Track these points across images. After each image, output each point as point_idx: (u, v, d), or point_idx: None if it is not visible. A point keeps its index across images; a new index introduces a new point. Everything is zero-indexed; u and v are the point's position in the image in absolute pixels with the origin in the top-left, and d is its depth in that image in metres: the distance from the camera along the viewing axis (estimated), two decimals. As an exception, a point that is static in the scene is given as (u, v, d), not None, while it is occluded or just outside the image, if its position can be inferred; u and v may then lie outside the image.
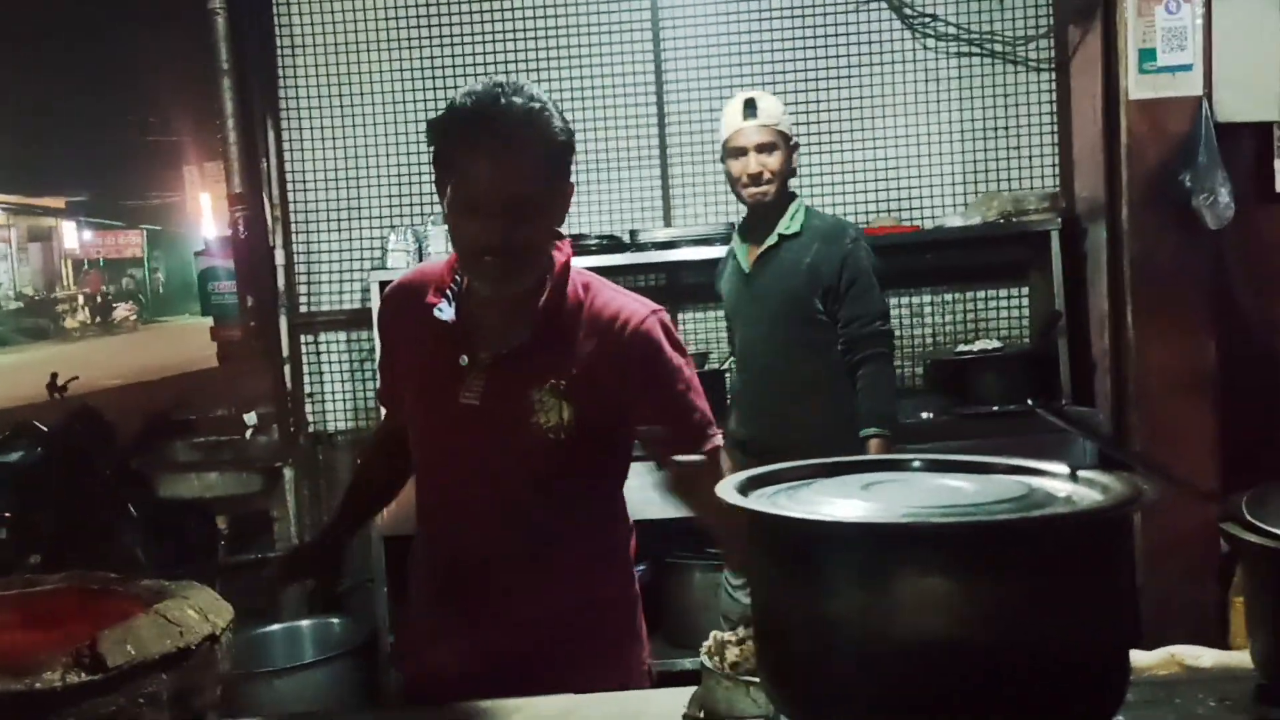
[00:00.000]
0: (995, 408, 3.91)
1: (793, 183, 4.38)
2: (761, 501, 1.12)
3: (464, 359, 1.91)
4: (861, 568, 1.02)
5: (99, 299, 32.03)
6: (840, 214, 4.38)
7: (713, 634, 1.51)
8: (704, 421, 1.93)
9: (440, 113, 1.87)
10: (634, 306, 1.92)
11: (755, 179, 3.33)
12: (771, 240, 3.38)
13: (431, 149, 1.86)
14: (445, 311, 1.92)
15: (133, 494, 5.41)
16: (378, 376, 2.32)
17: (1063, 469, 1.16)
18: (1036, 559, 1.01)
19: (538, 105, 1.78)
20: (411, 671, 2.09)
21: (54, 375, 7.17)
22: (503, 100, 1.77)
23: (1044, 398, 3.97)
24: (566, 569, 1.92)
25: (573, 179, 1.87)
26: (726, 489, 1.13)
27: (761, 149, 3.33)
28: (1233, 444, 3.66)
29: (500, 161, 1.76)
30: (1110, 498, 1.06)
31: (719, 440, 1.94)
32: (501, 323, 1.90)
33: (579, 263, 1.99)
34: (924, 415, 4.06)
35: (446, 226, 1.91)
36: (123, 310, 31.73)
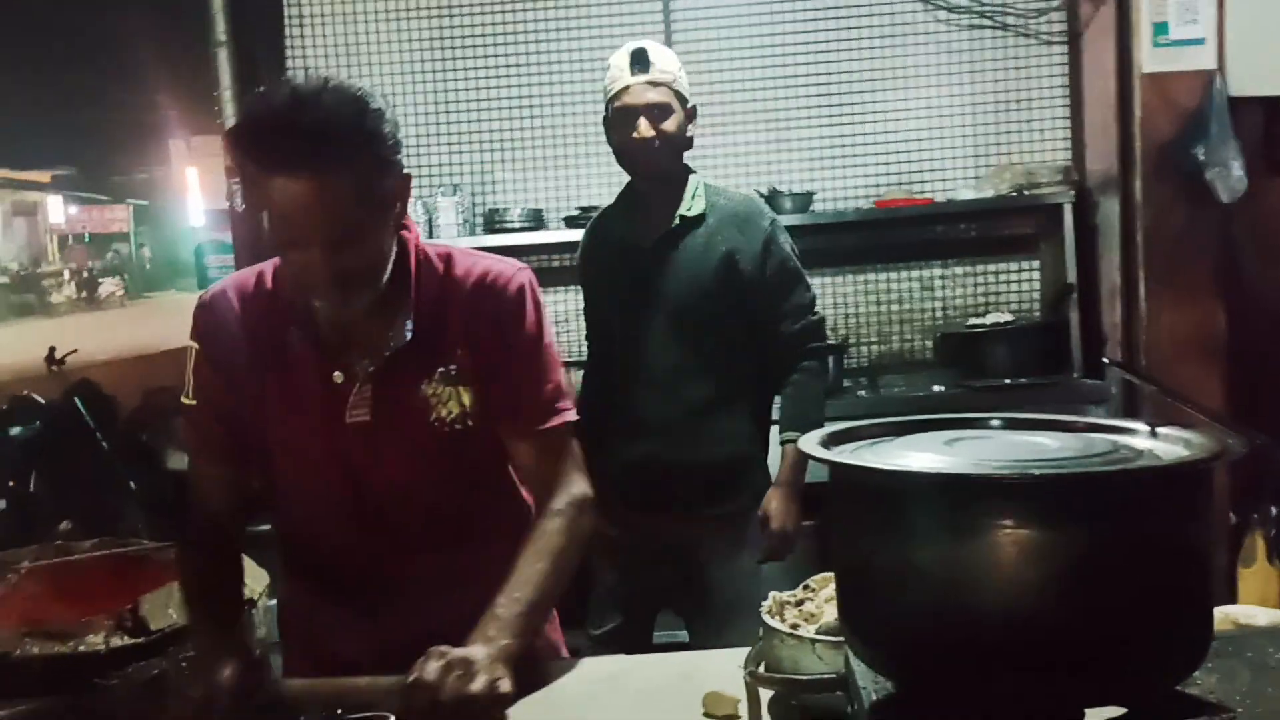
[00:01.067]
0: (1007, 380, 3.93)
1: (794, 154, 4.47)
2: (851, 455, 1.13)
3: (338, 376, 1.72)
4: (952, 519, 1.03)
5: (85, 274, 31.87)
6: (853, 186, 4.41)
7: (771, 594, 1.52)
8: (558, 392, 1.81)
9: (236, 122, 1.64)
10: (500, 266, 1.80)
11: (645, 146, 2.73)
12: (670, 224, 2.80)
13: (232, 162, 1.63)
14: (301, 331, 1.72)
15: (133, 468, 5.41)
16: (192, 413, 1.83)
17: (1142, 426, 1.17)
18: (1127, 512, 1.01)
19: (351, 108, 1.54)
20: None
21: (52, 349, 7.14)
22: (307, 109, 1.51)
23: (1055, 370, 3.99)
24: (475, 558, 1.77)
25: (405, 169, 1.64)
26: (811, 444, 1.13)
27: (653, 110, 2.72)
28: (1243, 412, 3.68)
29: (315, 191, 1.51)
30: (1198, 450, 1.07)
31: (571, 416, 1.83)
32: (369, 327, 1.72)
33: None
34: (936, 388, 4.08)
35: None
36: (109, 285, 31.58)
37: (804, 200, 4.21)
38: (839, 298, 4.51)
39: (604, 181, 4.42)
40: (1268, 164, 3.88)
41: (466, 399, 1.74)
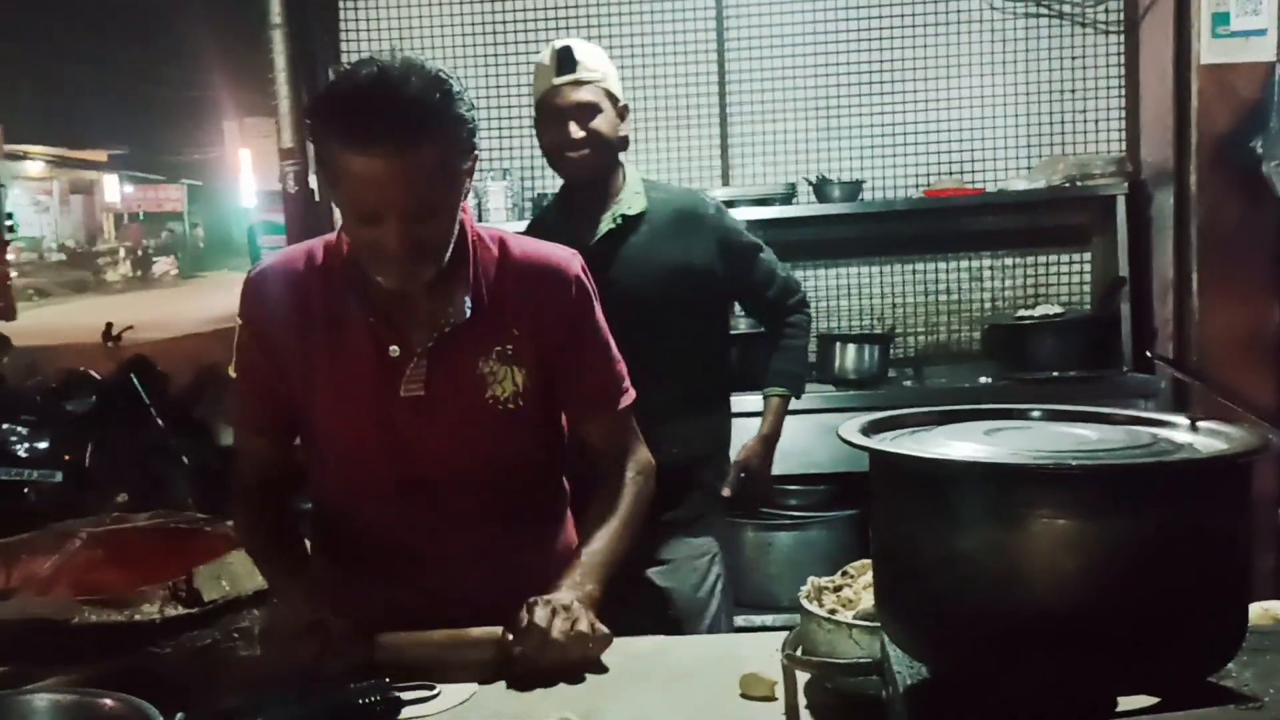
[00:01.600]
0: (1055, 374, 3.91)
1: (844, 142, 4.42)
2: (891, 443, 1.14)
3: (394, 349, 1.75)
4: (993, 508, 1.04)
5: (139, 252, 32.34)
6: (903, 175, 4.39)
7: (810, 579, 1.54)
8: (623, 372, 1.93)
9: (317, 98, 1.68)
10: (560, 252, 1.86)
11: (574, 147, 2.64)
12: (610, 224, 2.70)
13: (310, 138, 1.68)
14: (358, 304, 1.75)
15: (185, 443, 5.51)
16: (238, 387, 1.91)
17: (1183, 420, 1.17)
18: (1167, 503, 1.02)
19: (436, 88, 1.59)
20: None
21: (108, 325, 7.29)
22: (394, 87, 1.57)
23: (1104, 364, 3.96)
24: (514, 537, 1.85)
25: (479, 148, 1.69)
26: (851, 433, 1.15)
27: (581, 111, 2.63)
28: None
29: (399, 165, 1.56)
30: (1238, 444, 1.07)
31: (633, 392, 1.94)
32: (429, 303, 1.76)
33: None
34: (982, 380, 4.06)
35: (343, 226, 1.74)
36: (163, 264, 32.05)
37: (853, 189, 4.20)
38: (886, 287, 4.49)
39: (654, 162, 4.44)
40: (1327, 159, 3.82)
41: (520, 379, 1.79)
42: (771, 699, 1.48)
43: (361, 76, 1.60)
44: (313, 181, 4.63)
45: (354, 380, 1.78)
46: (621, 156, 2.78)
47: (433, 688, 1.50)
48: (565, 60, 2.64)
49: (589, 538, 1.83)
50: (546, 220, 2.86)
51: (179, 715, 1.37)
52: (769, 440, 2.88)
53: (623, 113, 2.72)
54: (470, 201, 4.21)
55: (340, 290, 1.77)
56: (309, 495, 1.99)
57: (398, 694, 1.45)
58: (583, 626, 1.63)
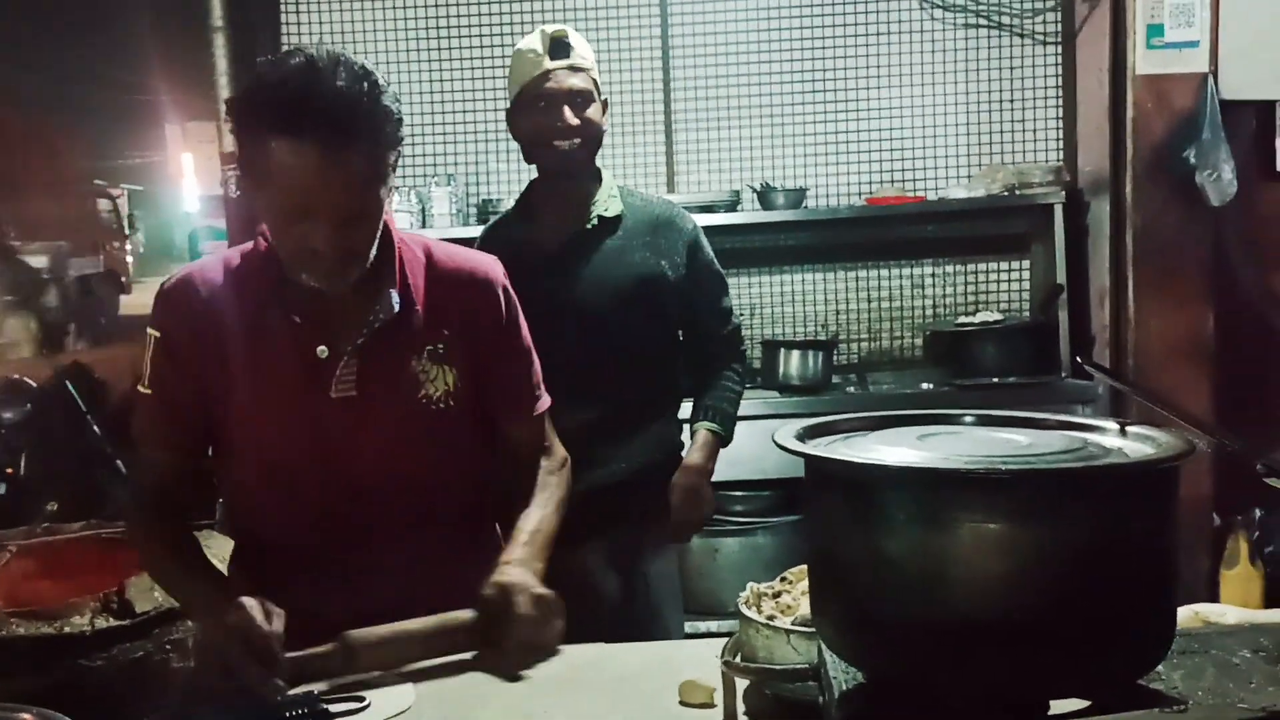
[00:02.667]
0: (995, 379, 3.95)
1: (787, 150, 4.46)
2: (824, 448, 1.15)
3: (322, 350, 1.73)
4: (924, 513, 1.04)
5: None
6: (846, 183, 4.43)
7: (749, 585, 1.54)
8: (539, 380, 1.99)
9: (243, 90, 1.63)
10: (484, 258, 1.93)
11: (567, 134, 2.52)
12: (583, 225, 2.61)
13: (234, 132, 1.63)
14: (282, 306, 1.72)
15: (123, 451, 5.42)
16: (147, 402, 1.81)
17: (1112, 425, 1.19)
18: (1094, 508, 1.03)
19: (364, 79, 1.57)
20: None
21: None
22: (325, 77, 1.54)
23: (1043, 370, 4.01)
24: (442, 537, 1.84)
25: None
26: (786, 438, 1.15)
27: (577, 98, 2.52)
28: (1228, 414, 3.71)
29: (330, 156, 1.53)
30: (1165, 449, 1.09)
31: (548, 400, 2.01)
32: (354, 302, 1.74)
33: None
34: (924, 386, 4.10)
35: (267, 225, 1.69)
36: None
37: (797, 196, 4.22)
38: (830, 294, 4.52)
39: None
40: (1259, 168, 3.91)
41: (451, 379, 1.81)
42: (710, 705, 1.49)
43: (290, 67, 1.56)
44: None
45: (281, 384, 1.75)
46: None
47: (362, 699, 1.48)
48: (559, 45, 2.54)
49: (524, 518, 1.90)
50: (505, 225, 2.75)
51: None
52: (701, 472, 2.68)
53: (605, 105, 2.62)
54: (414, 206, 4.24)
55: (262, 294, 1.74)
56: (225, 513, 1.97)
57: (326, 706, 1.43)
58: (552, 606, 1.72)
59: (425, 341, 1.79)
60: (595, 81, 2.58)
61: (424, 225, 4.25)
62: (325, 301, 1.73)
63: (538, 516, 1.91)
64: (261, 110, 1.55)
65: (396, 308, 1.74)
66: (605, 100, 2.63)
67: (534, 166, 2.67)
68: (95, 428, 5.35)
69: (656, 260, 2.61)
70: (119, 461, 5.28)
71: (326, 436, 1.75)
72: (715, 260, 2.73)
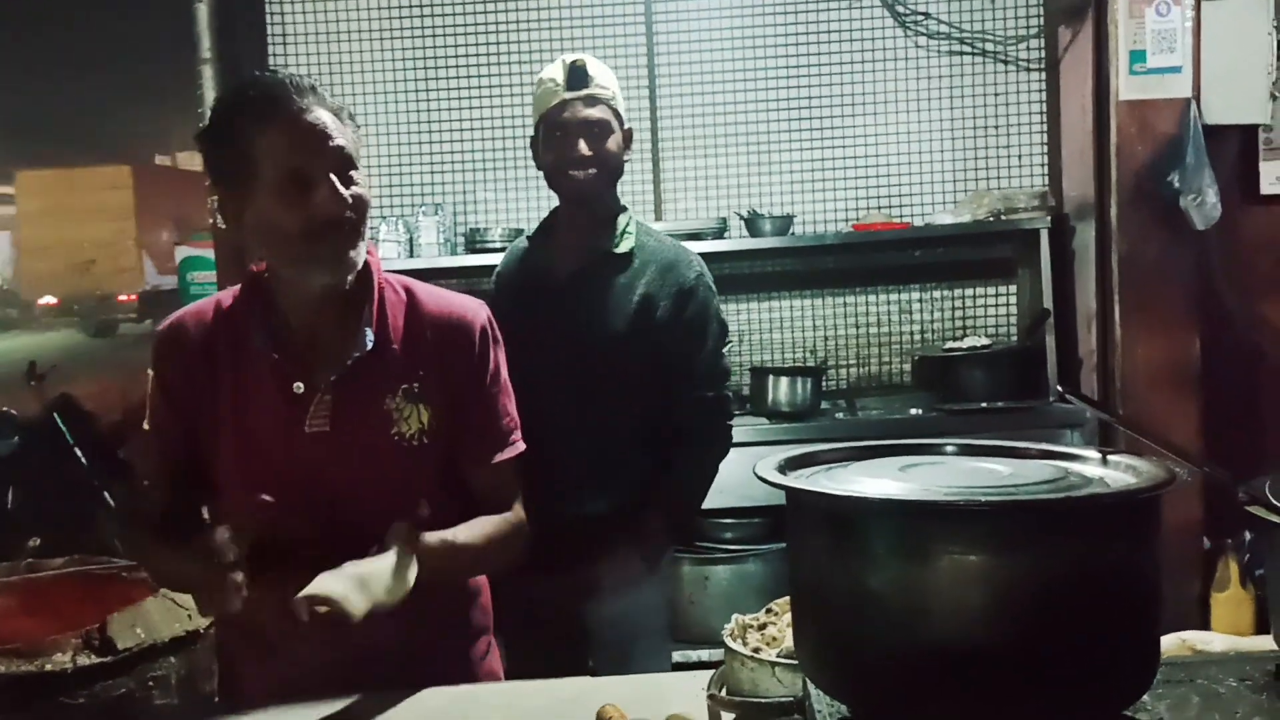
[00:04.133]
0: (983, 404, 3.95)
1: (774, 177, 4.48)
2: (805, 480, 1.14)
3: (298, 386, 1.77)
4: (905, 545, 1.04)
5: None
6: (832, 210, 4.44)
7: (735, 617, 1.53)
8: (512, 425, 1.94)
9: (219, 109, 1.75)
10: (467, 302, 1.90)
11: (582, 165, 2.54)
12: (593, 257, 2.61)
13: (214, 154, 1.74)
14: (263, 342, 1.78)
15: (111, 484, 5.39)
16: (149, 440, 1.89)
17: (1094, 454, 1.19)
18: (1075, 538, 1.03)
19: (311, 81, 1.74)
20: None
21: (32, 364, 7.12)
22: (282, 78, 1.71)
23: (1030, 395, 4.01)
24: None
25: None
26: (767, 470, 1.15)
27: (593, 129, 2.53)
28: (1215, 438, 3.72)
29: (317, 119, 1.69)
30: (1146, 479, 1.09)
31: (521, 447, 1.94)
32: (331, 339, 1.80)
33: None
34: (912, 411, 4.09)
35: (260, 229, 1.71)
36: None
37: (784, 223, 4.23)
38: (818, 320, 4.52)
39: (585, 202, 4.45)
40: (1242, 192, 3.93)
41: (426, 417, 1.80)
42: (696, 739, 1.47)
43: (249, 82, 1.72)
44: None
45: (261, 419, 1.79)
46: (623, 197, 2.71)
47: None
48: (578, 75, 2.54)
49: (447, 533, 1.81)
50: (529, 247, 2.75)
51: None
52: (639, 550, 2.58)
53: (628, 136, 2.64)
54: (402, 236, 4.24)
55: (246, 332, 1.79)
56: None
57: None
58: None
59: (401, 381, 1.80)
60: (616, 111, 2.58)
61: (411, 254, 4.25)
62: (305, 338, 1.78)
63: (452, 532, 1.80)
64: (253, 102, 1.68)
65: (369, 345, 1.77)
66: (629, 130, 2.64)
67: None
68: (83, 459, 5.33)
69: (652, 299, 2.57)
70: (106, 494, 5.25)
71: (302, 471, 1.78)
72: (714, 318, 2.64)
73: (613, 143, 2.56)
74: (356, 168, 1.72)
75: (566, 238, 2.67)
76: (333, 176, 1.67)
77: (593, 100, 2.54)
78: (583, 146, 2.53)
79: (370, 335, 1.77)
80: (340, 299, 1.78)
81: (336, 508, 1.79)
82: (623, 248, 2.60)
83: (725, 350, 2.69)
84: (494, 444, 1.90)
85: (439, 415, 1.82)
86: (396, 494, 1.79)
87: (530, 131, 2.72)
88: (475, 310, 1.90)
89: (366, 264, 1.78)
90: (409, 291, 1.87)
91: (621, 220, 2.65)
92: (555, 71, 2.57)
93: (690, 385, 2.61)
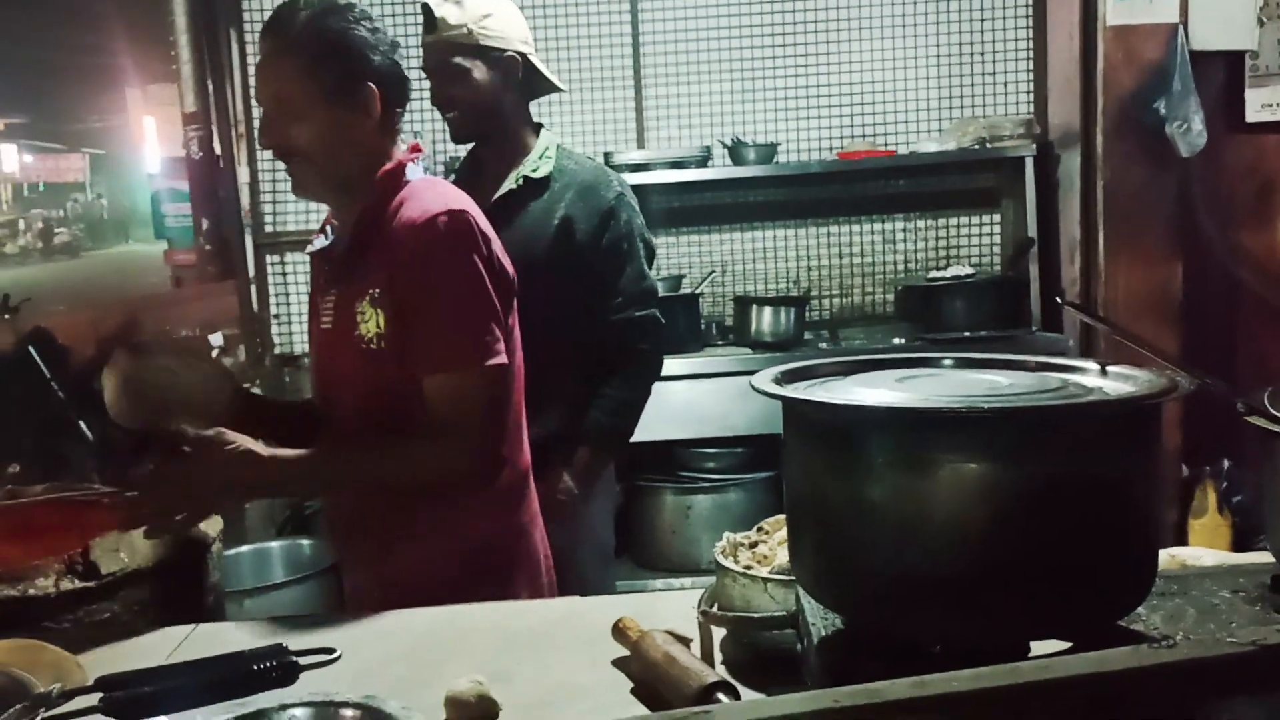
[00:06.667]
0: (966, 333, 3.95)
1: (759, 105, 4.43)
2: (803, 391, 1.13)
3: (323, 281, 1.97)
4: (903, 454, 1.03)
5: (41, 224, 31.30)
6: (816, 138, 4.39)
7: (725, 535, 1.53)
8: (463, 342, 1.80)
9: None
10: (433, 205, 1.81)
11: (444, 109, 2.54)
12: (510, 184, 2.58)
13: None
14: (317, 242, 1.99)
15: (88, 416, 5.35)
16: None
17: (1093, 365, 1.18)
18: (1074, 447, 1.02)
19: (316, 10, 1.81)
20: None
21: (5, 296, 7.03)
22: (288, 6, 1.84)
23: (1014, 324, 4.01)
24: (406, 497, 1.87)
25: (370, 90, 1.83)
26: (764, 382, 1.13)
27: (441, 75, 2.52)
28: (1196, 366, 3.72)
29: (264, 61, 1.84)
30: (1146, 388, 1.08)
31: (480, 370, 1.81)
32: (341, 240, 1.94)
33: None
34: (895, 341, 4.09)
35: None
36: (65, 235, 31.06)
37: (768, 152, 4.19)
38: (802, 250, 4.50)
39: (568, 126, 4.39)
40: (1227, 120, 3.90)
41: (381, 321, 1.81)
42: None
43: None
44: (217, 146, 4.51)
45: (312, 312, 2.03)
46: (539, 118, 2.69)
47: (332, 651, 1.45)
48: (426, 18, 2.51)
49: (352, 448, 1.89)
50: (456, 180, 2.65)
51: (55, 686, 1.32)
52: (572, 494, 2.62)
53: (509, 65, 2.55)
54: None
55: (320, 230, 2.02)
56: None
57: (295, 658, 1.41)
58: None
59: (367, 286, 1.83)
60: (478, 47, 2.51)
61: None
62: (340, 241, 1.94)
63: (351, 453, 1.86)
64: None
65: (341, 247, 1.91)
66: (511, 56, 2.55)
67: None
68: (59, 392, 5.28)
69: (572, 222, 2.55)
70: (83, 425, 5.21)
71: (320, 361, 1.99)
72: (636, 237, 2.64)
73: (468, 85, 2.51)
74: (296, 111, 1.81)
75: (489, 167, 2.64)
76: (266, 117, 1.84)
77: (441, 44, 2.51)
78: (441, 92, 2.55)
79: (329, 236, 1.95)
80: (356, 206, 1.88)
81: (334, 404, 1.94)
82: (540, 172, 2.58)
83: (651, 269, 2.70)
84: (431, 358, 1.80)
85: (392, 322, 1.81)
86: (358, 394, 1.88)
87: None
88: (430, 211, 1.80)
89: (375, 167, 1.87)
90: (413, 194, 1.87)
91: (540, 144, 2.62)
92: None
93: (617, 306, 2.60)
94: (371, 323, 1.81)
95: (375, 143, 1.88)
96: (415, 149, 1.96)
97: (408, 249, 1.79)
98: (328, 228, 1.99)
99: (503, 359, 1.84)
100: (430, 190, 1.88)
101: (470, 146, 2.75)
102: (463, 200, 1.87)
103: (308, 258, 2.07)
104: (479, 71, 2.52)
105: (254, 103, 1.88)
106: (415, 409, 1.81)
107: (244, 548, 4.00)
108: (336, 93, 1.81)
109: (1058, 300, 3.95)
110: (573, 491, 2.63)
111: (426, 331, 1.79)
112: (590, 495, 2.68)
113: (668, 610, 1.60)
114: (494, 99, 2.55)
